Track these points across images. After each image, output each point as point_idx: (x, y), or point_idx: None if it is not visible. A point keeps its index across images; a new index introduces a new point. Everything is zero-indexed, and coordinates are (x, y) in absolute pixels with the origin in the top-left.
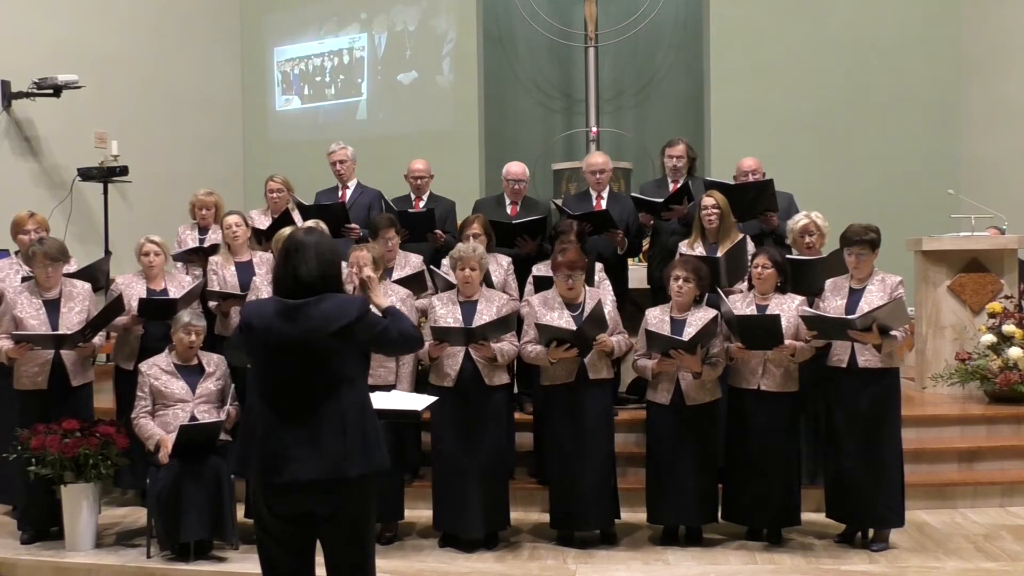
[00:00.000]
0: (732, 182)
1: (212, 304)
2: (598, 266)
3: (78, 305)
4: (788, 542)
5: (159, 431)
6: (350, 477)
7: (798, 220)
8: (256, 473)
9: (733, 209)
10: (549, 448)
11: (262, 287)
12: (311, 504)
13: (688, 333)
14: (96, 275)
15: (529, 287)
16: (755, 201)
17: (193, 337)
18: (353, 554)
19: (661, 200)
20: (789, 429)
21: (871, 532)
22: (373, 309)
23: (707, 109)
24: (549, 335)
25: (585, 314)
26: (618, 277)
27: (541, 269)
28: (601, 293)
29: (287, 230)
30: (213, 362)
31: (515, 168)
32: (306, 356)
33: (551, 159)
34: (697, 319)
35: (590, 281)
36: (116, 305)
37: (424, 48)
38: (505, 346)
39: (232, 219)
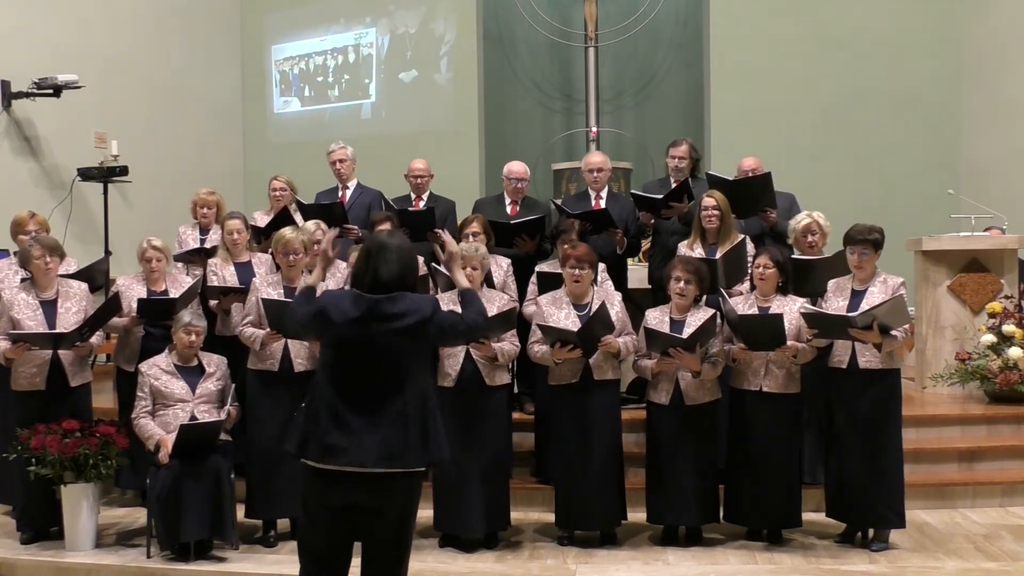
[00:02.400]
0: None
1: (212, 303)
2: (600, 266)
3: (75, 305)
4: (788, 542)
5: (159, 431)
6: (406, 469)
7: (800, 220)
8: (314, 455)
9: (734, 206)
10: (554, 448)
11: (262, 287)
12: (362, 495)
13: (687, 333)
14: (94, 275)
15: (532, 286)
16: (756, 197)
17: (193, 337)
18: (392, 549)
19: (661, 197)
20: (790, 430)
21: (871, 532)
22: (443, 301)
23: (707, 109)
24: (553, 336)
25: (592, 314)
26: (617, 277)
27: (544, 267)
28: (610, 294)
29: (287, 230)
30: (213, 362)
31: (516, 168)
32: (375, 350)
33: (551, 159)
34: (696, 319)
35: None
36: (113, 304)
37: (424, 48)
38: (505, 346)
39: (234, 224)
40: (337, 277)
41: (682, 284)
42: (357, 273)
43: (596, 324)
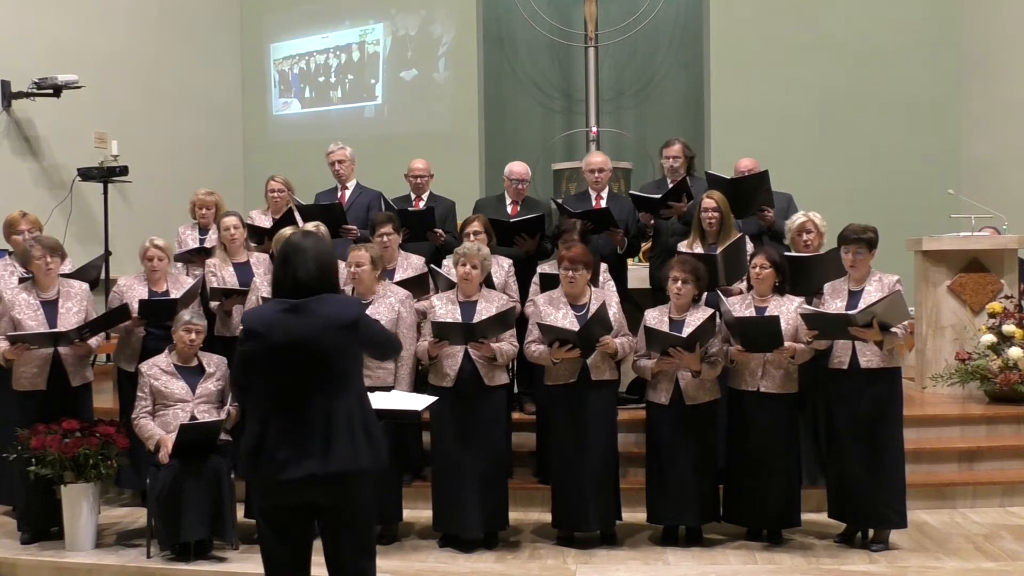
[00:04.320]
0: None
1: (214, 304)
2: (603, 266)
3: (76, 305)
4: (788, 542)
5: (159, 431)
6: (358, 470)
7: (796, 219)
8: (268, 472)
9: (732, 206)
10: (551, 448)
11: (262, 287)
12: (317, 496)
13: (687, 332)
14: (88, 271)
15: (534, 286)
16: (753, 195)
17: (193, 336)
18: (356, 550)
19: (659, 196)
20: (789, 430)
21: (871, 532)
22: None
23: (707, 109)
24: (552, 335)
25: (590, 315)
26: (617, 277)
27: (546, 267)
28: (607, 295)
29: (287, 230)
30: (213, 363)
31: (518, 168)
32: (311, 352)
33: (551, 159)
34: (695, 319)
35: (595, 281)
36: (121, 313)
37: (424, 48)
38: (504, 346)
39: (230, 220)
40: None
41: (680, 284)
42: (277, 278)
43: (595, 324)
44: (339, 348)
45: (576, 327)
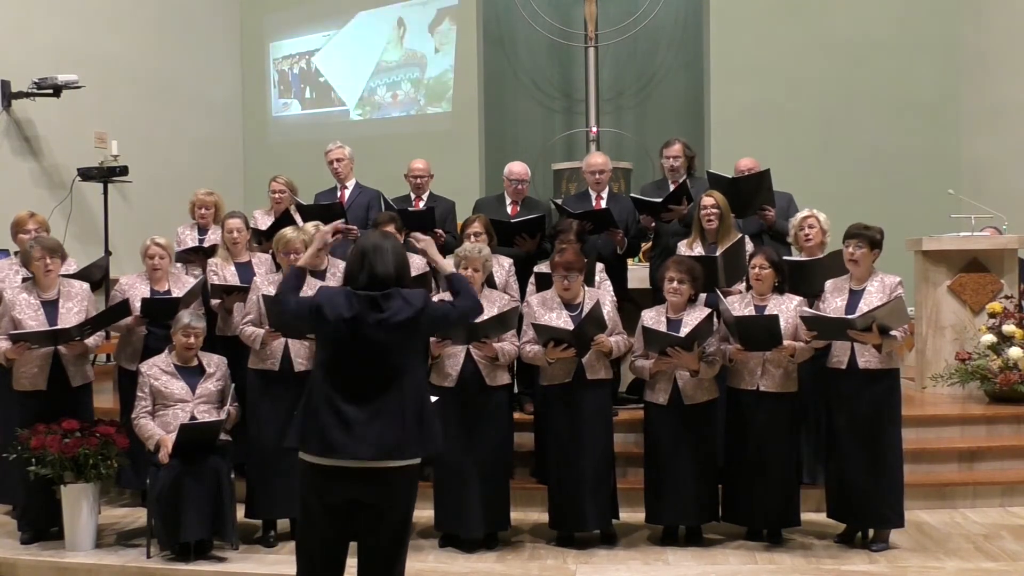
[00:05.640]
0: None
1: (215, 303)
2: (599, 267)
3: (77, 305)
4: (788, 542)
5: (159, 431)
6: (404, 462)
7: (800, 215)
8: (314, 452)
9: (733, 204)
10: (547, 448)
11: (263, 287)
12: (361, 491)
13: (685, 332)
14: (92, 271)
15: (531, 287)
16: (754, 195)
17: (192, 339)
18: (391, 547)
19: (659, 200)
20: (788, 429)
21: (871, 532)
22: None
23: (707, 109)
24: (547, 335)
25: (584, 314)
26: (617, 277)
27: (543, 267)
28: (601, 294)
29: (288, 230)
30: (213, 363)
31: (517, 168)
32: (370, 347)
33: (551, 159)
34: (693, 318)
35: (590, 281)
36: (122, 309)
37: (424, 47)
38: (506, 346)
39: (234, 223)
40: (338, 277)
41: (675, 284)
42: (352, 271)
43: (590, 323)
44: (395, 344)
45: (571, 327)
